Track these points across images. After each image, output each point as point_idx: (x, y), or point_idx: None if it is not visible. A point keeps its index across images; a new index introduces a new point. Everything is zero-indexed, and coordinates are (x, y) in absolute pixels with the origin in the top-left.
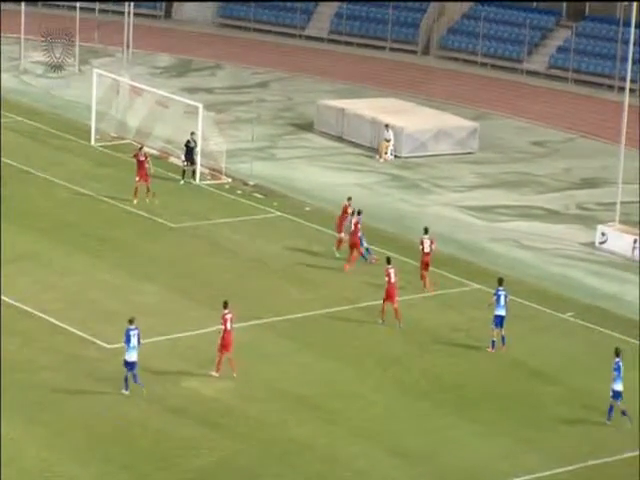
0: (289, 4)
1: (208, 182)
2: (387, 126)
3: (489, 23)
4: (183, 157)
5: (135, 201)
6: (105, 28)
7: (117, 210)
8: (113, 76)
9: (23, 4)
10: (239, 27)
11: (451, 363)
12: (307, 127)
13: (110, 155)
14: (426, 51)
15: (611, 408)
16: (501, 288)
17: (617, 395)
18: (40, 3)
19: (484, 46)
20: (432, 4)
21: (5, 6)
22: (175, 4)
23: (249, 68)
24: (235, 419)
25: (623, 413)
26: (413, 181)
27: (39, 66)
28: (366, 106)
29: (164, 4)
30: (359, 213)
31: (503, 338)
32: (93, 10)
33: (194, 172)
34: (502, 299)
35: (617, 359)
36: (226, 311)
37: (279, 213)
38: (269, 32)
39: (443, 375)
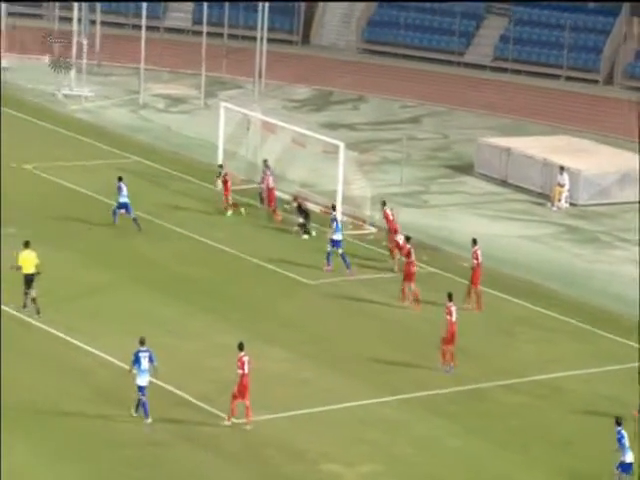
0: (445, 26)
1: (349, 232)
2: (562, 168)
3: None
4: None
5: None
6: (234, 56)
7: (244, 263)
8: (243, 110)
9: (144, 31)
10: (387, 53)
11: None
12: (465, 169)
13: (238, 201)
14: (609, 80)
15: None
16: None
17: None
18: (162, 28)
19: None
20: (617, 24)
21: (123, 31)
22: (314, 28)
23: (398, 100)
24: None
25: None
26: (592, 234)
27: (160, 100)
28: (536, 145)
29: (301, 28)
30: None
31: None
32: (221, 36)
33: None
34: None
35: (619, 428)
36: (242, 353)
37: (431, 269)
38: (422, 59)
39: None
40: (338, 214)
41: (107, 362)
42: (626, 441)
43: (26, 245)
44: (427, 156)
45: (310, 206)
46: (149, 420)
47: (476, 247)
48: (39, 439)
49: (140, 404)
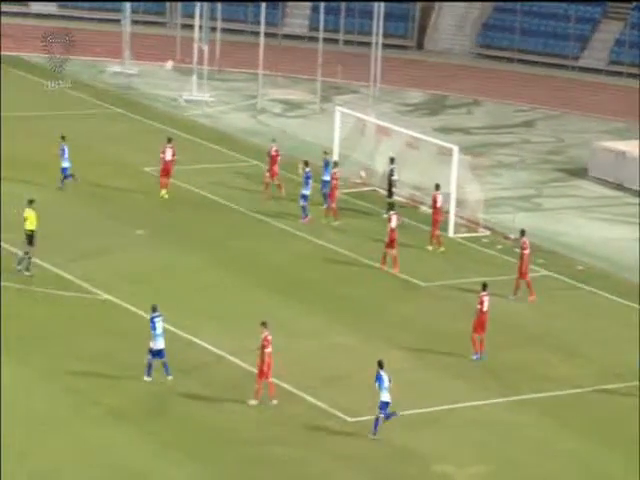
0: (560, 30)
1: (463, 235)
2: None
3: None
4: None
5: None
6: (350, 61)
7: (359, 265)
8: (358, 115)
9: (262, 38)
10: (501, 58)
11: None
12: (579, 173)
13: (352, 203)
14: None
15: (377, 422)
16: None
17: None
18: (280, 35)
19: None
20: None
21: (242, 38)
22: (428, 33)
23: (512, 105)
24: None
25: (388, 417)
26: None
27: (277, 104)
28: None
29: (416, 33)
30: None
31: None
32: (337, 42)
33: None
34: None
35: (380, 370)
36: (267, 332)
37: (545, 272)
38: (536, 63)
39: None
40: (307, 171)
41: (228, 361)
42: (385, 383)
43: (30, 203)
44: (541, 160)
45: (424, 209)
46: (149, 379)
47: (524, 238)
48: (163, 437)
49: (148, 365)
